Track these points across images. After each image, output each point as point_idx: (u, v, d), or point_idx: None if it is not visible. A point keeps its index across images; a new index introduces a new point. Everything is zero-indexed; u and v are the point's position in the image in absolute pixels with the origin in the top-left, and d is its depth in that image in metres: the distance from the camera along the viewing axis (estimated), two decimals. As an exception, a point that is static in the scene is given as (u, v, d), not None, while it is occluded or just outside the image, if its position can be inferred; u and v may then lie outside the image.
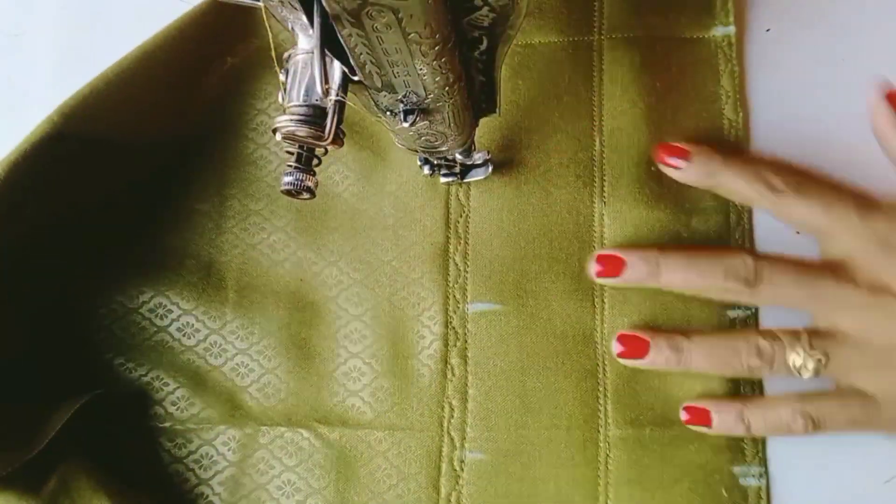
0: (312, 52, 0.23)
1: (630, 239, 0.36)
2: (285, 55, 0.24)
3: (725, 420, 0.33)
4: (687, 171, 0.34)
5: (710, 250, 0.34)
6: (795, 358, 0.31)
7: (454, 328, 0.36)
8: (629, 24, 0.38)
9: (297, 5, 0.21)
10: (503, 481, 0.34)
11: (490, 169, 0.37)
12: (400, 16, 0.19)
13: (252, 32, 0.39)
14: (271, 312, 0.37)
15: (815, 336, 0.32)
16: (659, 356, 0.33)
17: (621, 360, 0.34)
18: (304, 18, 0.22)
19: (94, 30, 0.42)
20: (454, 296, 0.36)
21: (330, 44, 0.22)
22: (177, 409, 0.36)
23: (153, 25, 0.37)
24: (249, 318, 0.37)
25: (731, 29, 0.37)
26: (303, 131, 0.23)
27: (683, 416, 0.34)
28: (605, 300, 0.35)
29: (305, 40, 0.23)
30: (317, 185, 0.25)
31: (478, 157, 0.37)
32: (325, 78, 0.21)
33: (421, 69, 0.22)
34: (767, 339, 0.32)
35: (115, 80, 0.34)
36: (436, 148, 0.30)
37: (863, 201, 0.32)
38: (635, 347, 0.33)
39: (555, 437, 0.34)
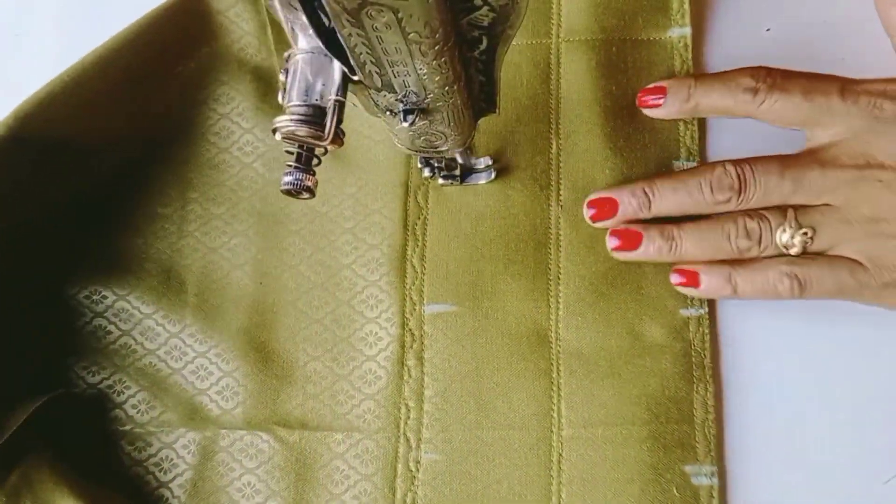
0: (312, 52, 0.23)
1: (586, 242, 0.36)
2: (285, 55, 0.24)
3: (714, 281, 0.33)
4: (667, 104, 0.35)
5: (690, 170, 0.34)
6: (782, 234, 0.32)
7: (411, 330, 0.36)
8: (586, 27, 0.38)
9: (297, 5, 0.21)
10: (458, 482, 0.34)
11: (493, 175, 0.37)
12: (400, 15, 0.19)
13: (211, 37, 0.39)
14: (230, 316, 0.37)
15: (801, 212, 0.32)
16: (651, 246, 0.34)
17: (616, 255, 0.35)
18: (304, 18, 0.22)
19: (94, 30, 0.42)
20: (411, 298, 0.36)
21: (330, 43, 0.22)
22: (137, 413, 0.36)
23: (153, 25, 0.37)
24: (209, 321, 0.37)
25: (687, 30, 0.38)
26: (302, 131, 0.23)
27: (674, 278, 0.34)
28: (560, 300, 0.36)
29: (305, 40, 0.23)
30: (316, 184, 0.25)
31: (480, 162, 0.37)
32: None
33: (421, 69, 0.22)
34: (755, 218, 0.33)
35: (70, 83, 0.34)
36: (436, 148, 0.30)
37: (844, 82, 0.33)
38: (628, 240, 0.34)
39: (509, 437, 0.34)
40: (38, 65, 0.42)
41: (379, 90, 0.24)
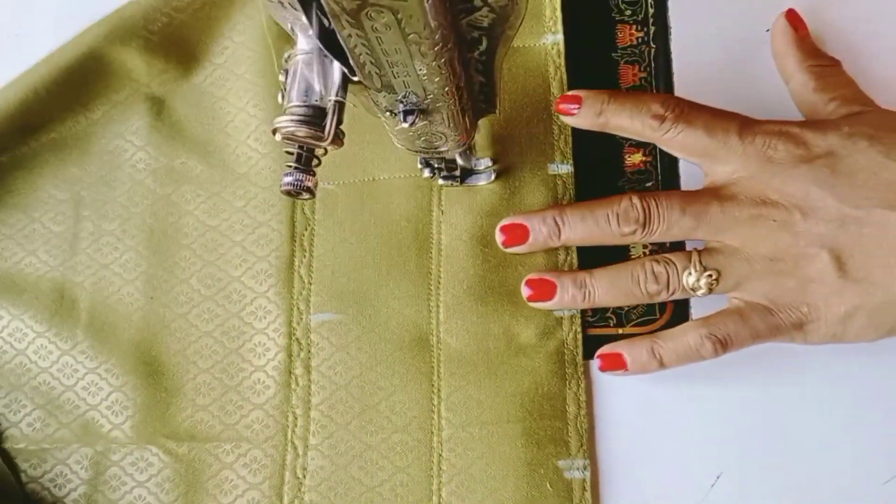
0: (312, 53, 0.23)
1: (466, 246, 0.37)
2: (285, 55, 0.24)
3: (638, 358, 0.34)
4: (580, 115, 0.35)
5: (600, 200, 0.34)
6: (689, 278, 0.33)
7: (298, 339, 0.37)
8: None
9: (297, 5, 0.21)
10: (343, 486, 0.35)
11: (493, 176, 0.37)
12: (399, 16, 0.19)
13: (101, 60, 0.39)
14: (121, 331, 0.38)
15: (705, 254, 0.33)
16: (565, 295, 0.34)
17: (531, 304, 0.35)
18: (304, 18, 0.22)
19: (94, 30, 0.42)
20: (298, 307, 0.37)
21: (330, 44, 0.22)
22: (32, 430, 0.37)
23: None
24: (100, 337, 0.37)
25: (560, 37, 0.38)
26: (302, 132, 0.23)
27: (598, 363, 0.35)
28: (441, 304, 0.36)
29: (305, 41, 0.23)
30: (316, 185, 0.25)
31: (480, 164, 0.37)
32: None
33: (420, 69, 0.22)
34: (661, 263, 0.33)
35: None
36: (435, 148, 0.30)
37: (744, 121, 0.33)
38: (542, 290, 0.35)
39: (391, 440, 0.35)
40: (39, 65, 0.42)
41: (379, 91, 0.24)
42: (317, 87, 0.23)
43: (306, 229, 0.38)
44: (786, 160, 0.32)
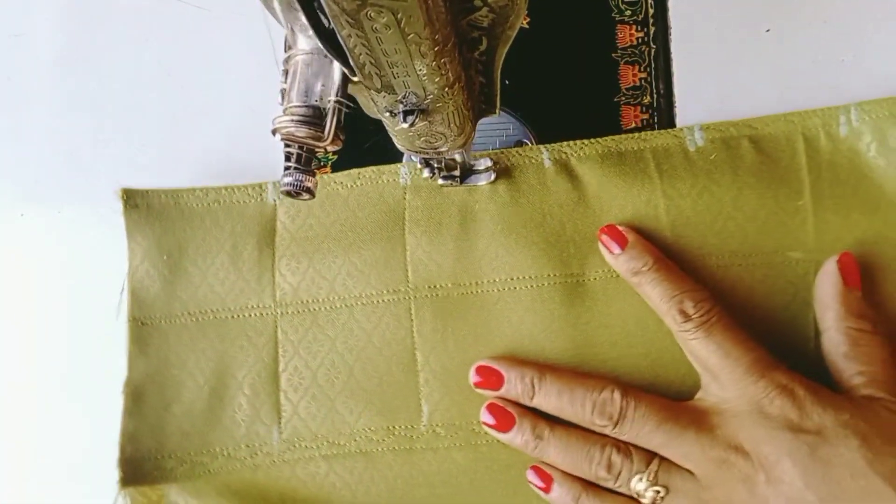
0: (312, 53, 0.23)
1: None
2: (285, 55, 0.24)
3: (563, 497, 0.34)
4: (619, 259, 0.35)
5: (583, 379, 0.34)
6: (638, 483, 0.32)
7: None
8: None
9: (297, 5, 0.21)
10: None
11: (493, 176, 0.37)
12: (399, 16, 0.19)
13: None
14: None
15: (664, 467, 0.32)
16: (519, 436, 0.34)
17: (487, 429, 0.35)
18: (304, 19, 0.22)
19: (94, 30, 0.42)
20: None
21: (330, 44, 0.22)
22: None
23: (153, 25, 0.37)
24: None
25: None
26: (302, 132, 0.23)
27: (530, 475, 0.35)
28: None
29: (305, 41, 0.23)
30: (316, 185, 0.25)
31: (480, 164, 0.37)
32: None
33: (420, 70, 0.22)
34: (620, 455, 0.33)
35: None
36: (435, 149, 0.30)
37: (760, 360, 0.32)
38: (501, 421, 0.35)
39: None
40: (38, 65, 0.42)
41: (379, 91, 0.24)
42: (317, 87, 0.23)
43: None
44: (775, 418, 0.31)
